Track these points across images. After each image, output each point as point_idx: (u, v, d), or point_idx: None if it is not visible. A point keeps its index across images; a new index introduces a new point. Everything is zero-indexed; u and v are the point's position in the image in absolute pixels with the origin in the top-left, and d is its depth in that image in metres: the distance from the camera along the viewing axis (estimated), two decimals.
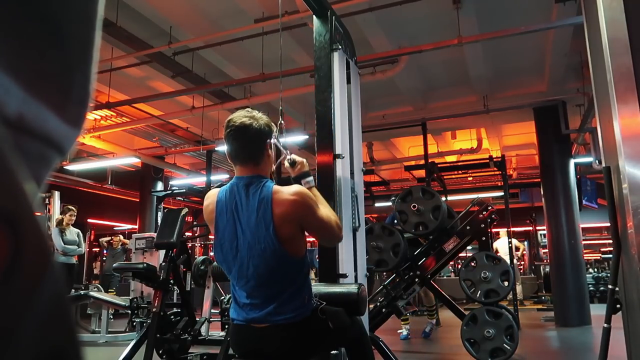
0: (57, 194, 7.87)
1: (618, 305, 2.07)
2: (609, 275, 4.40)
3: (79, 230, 6.70)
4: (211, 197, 1.79)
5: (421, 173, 9.13)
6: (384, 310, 4.54)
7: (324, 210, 1.75)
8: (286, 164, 1.96)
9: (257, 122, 1.70)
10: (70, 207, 6.70)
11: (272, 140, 1.93)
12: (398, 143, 10.64)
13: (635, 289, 1.89)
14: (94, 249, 12.04)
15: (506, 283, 4.24)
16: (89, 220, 11.79)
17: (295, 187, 1.69)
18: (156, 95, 7.17)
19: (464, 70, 6.86)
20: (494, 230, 7.49)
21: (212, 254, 12.05)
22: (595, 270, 11.91)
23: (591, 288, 9.51)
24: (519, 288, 9.90)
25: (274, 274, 1.64)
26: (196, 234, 9.79)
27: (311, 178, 1.92)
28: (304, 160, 1.95)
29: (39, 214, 0.26)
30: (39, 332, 0.24)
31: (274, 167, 1.96)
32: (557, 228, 7.04)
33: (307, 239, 1.95)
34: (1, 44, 0.25)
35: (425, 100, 8.02)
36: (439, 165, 8.15)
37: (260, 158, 1.73)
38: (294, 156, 1.95)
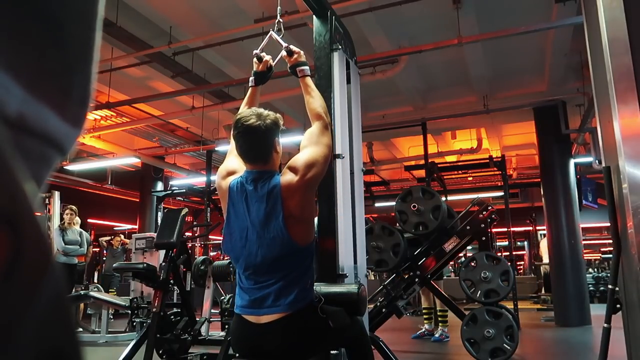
0: (57, 194, 7.86)
1: (618, 305, 2.07)
2: (609, 275, 4.40)
3: (82, 230, 6.68)
4: (226, 181, 1.84)
5: (421, 173, 9.14)
6: (384, 310, 4.54)
7: (319, 147, 1.80)
8: (283, 52, 2.09)
9: (264, 122, 1.74)
10: (69, 206, 6.69)
11: (271, 33, 2.12)
12: (398, 143, 10.64)
13: (635, 289, 1.89)
14: (94, 249, 12.05)
15: (506, 283, 4.24)
16: (89, 220, 11.80)
17: (299, 169, 1.73)
18: (156, 95, 7.17)
19: (464, 70, 6.86)
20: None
21: (212, 253, 12.07)
22: (595, 270, 11.91)
23: (591, 288, 9.51)
24: None
25: (281, 261, 1.70)
26: (196, 234, 9.78)
27: (307, 67, 2.06)
28: (301, 51, 2.09)
29: (39, 214, 0.26)
30: (39, 332, 0.24)
31: (273, 63, 2.13)
32: (557, 228, 7.04)
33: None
34: (1, 43, 0.25)
35: (425, 100, 8.02)
36: (439, 165, 8.15)
37: (269, 156, 1.79)
38: (291, 46, 2.08)
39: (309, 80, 2.04)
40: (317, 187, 1.84)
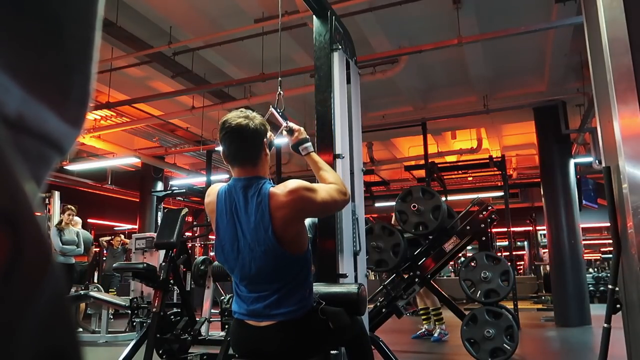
0: (57, 194, 7.87)
1: (618, 305, 2.07)
2: (609, 275, 4.40)
3: (79, 230, 6.69)
4: (212, 195, 1.79)
5: (421, 173, 9.14)
6: (384, 310, 4.54)
7: (323, 190, 1.72)
8: (284, 132, 1.98)
9: (253, 122, 1.68)
10: (69, 206, 6.70)
11: (271, 109, 2.00)
12: (398, 143, 10.64)
13: (635, 289, 1.89)
14: (94, 249, 12.05)
15: (506, 283, 4.24)
16: (89, 220, 11.79)
17: (290, 185, 1.66)
18: (156, 95, 7.17)
19: (464, 70, 6.86)
20: None
21: (212, 254, 12.09)
22: (595, 270, 11.92)
23: (591, 288, 9.51)
24: None
25: (276, 272, 1.66)
26: (196, 234, 9.79)
27: (309, 144, 1.95)
28: (302, 128, 1.98)
29: (39, 214, 0.26)
30: (39, 332, 0.24)
31: (274, 137, 1.99)
32: (557, 228, 7.04)
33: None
34: (1, 43, 0.25)
35: (425, 100, 8.02)
36: (439, 165, 8.15)
37: (257, 158, 1.72)
38: (291, 124, 1.97)
39: (315, 156, 1.92)
40: (304, 219, 1.72)
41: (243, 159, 1.71)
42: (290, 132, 1.96)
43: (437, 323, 5.59)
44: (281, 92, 2.22)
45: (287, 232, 1.64)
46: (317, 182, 1.85)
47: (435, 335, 5.50)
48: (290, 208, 1.63)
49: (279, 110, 2.06)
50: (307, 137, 1.96)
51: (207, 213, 1.84)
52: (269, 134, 1.77)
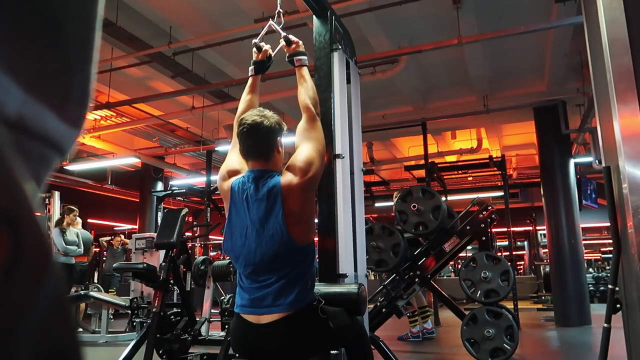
0: (57, 194, 7.87)
1: (618, 305, 2.07)
2: (609, 275, 4.40)
3: (78, 230, 6.69)
4: (228, 180, 1.86)
5: (421, 173, 9.13)
6: (384, 310, 4.54)
7: (313, 145, 1.81)
8: (282, 42, 2.10)
9: (268, 121, 1.78)
10: (71, 207, 6.71)
11: (270, 22, 2.15)
12: (398, 143, 10.64)
13: (635, 289, 1.89)
14: (94, 249, 12.05)
15: (506, 283, 4.23)
16: (89, 220, 11.80)
17: (299, 165, 1.75)
18: (156, 95, 7.17)
19: (464, 70, 6.86)
20: None
21: (212, 254, 12.09)
22: (595, 270, 11.91)
23: (591, 288, 9.51)
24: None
25: (280, 260, 1.70)
26: (196, 234, 9.78)
27: (304, 57, 2.08)
28: (300, 41, 2.09)
29: (39, 214, 0.26)
30: (39, 332, 0.24)
31: (273, 53, 2.13)
32: (557, 228, 7.03)
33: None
34: (1, 44, 0.25)
35: (425, 100, 8.02)
36: (439, 165, 8.15)
37: (270, 154, 1.81)
38: (290, 35, 2.08)
39: (304, 70, 2.05)
40: (317, 185, 1.85)
41: (256, 154, 1.81)
42: (288, 42, 2.08)
43: (421, 321, 5.60)
44: (281, 10, 2.34)
45: (302, 215, 1.73)
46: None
47: (416, 331, 5.52)
48: (305, 187, 1.73)
49: (279, 25, 2.17)
50: (304, 50, 2.07)
51: (221, 194, 1.91)
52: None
